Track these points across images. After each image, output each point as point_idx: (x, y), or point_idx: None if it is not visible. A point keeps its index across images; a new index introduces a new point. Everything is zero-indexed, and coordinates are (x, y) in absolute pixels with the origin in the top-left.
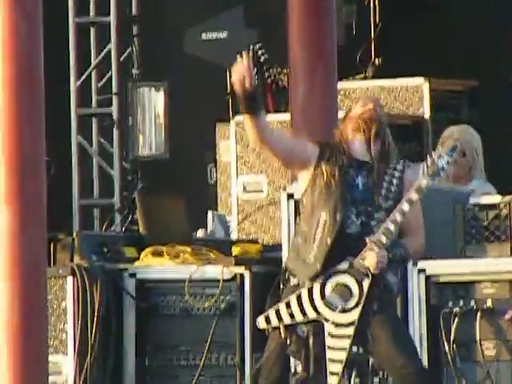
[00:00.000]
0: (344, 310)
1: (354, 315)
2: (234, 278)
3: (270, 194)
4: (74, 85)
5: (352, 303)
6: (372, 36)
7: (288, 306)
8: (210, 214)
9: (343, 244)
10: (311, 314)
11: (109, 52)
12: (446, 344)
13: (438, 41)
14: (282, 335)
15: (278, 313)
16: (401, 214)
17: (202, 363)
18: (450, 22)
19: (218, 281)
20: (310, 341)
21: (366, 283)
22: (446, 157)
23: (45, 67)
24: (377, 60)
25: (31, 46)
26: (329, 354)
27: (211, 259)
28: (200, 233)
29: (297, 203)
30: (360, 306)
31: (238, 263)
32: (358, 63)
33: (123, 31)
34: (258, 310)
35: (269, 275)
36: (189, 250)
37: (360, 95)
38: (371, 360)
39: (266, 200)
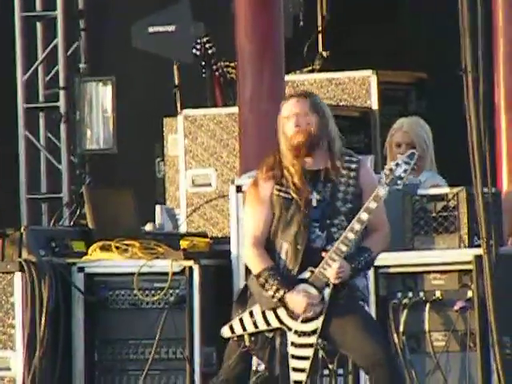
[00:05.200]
0: (306, 320)
1: (317, 324)
2: (183, 272)
3: (218, 187)
4: (20, 79)
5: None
6: (319, 28)
7: (251, 315)
8: (158, 207)
9: (309, 258)
10: (274, 323)
11: (55, 46)
12: (395, 335)
13: (385, 32)
14: (247, 343)
15: (241, 322)
16: (360, 222)
17: (151, 357)
18: (398, 13)
19: (167, 274)
20: (277, 341)
21: (326, 292)
22: (404, 165)
23: None
24: (324, 52)
25: None
26: (292, 363)
27: (160, 253)
28: (148, 226)
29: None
30: (322, 315)
31: (186, 257)
32: (305, 55)
33: (70, 25)
34: (207, 303)
35: (218, 268)
36: (137, 244)
37: (308, 88)
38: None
39: (215, 193)
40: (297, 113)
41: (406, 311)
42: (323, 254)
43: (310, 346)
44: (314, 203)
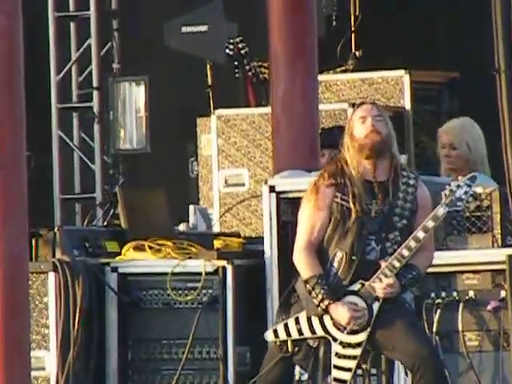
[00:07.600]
0: (352, 332)
1: (362, 336)
2: (216, 272)
3: (251, 187)
4: (54, 79)
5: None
6: (352, 28)
7: (297, 321)
8: (191, 207)
9: (362, 270)
10: (319, 332)
11: (89, 46)
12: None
13: (418, 32)
14: (289, 349)
15: (286, 327)
16: (416, 241)
17: (184, 357)
18: (431, 13)
19: (200, 274)
20: (321, 350)
21: (375, 306)
22: (465, 187)
23: (25, 62)
24: (357, 52)
25: (11, 40)
26: (334, 373)
27: (193, 253)
28: (182, 226)
29: (278, 196)
30: (369, 329)
31: (220, 257)
32: (338, 55)
33: (103, 26)
34: (240, 302)
35: (251, 268)
36: (170, 243)
37: (341, 87)
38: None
39: (248, 193)
40: (375, 115)
41: (439, 311)
42: (381, 263)
43: (354, 358)
44: (373, 214)
